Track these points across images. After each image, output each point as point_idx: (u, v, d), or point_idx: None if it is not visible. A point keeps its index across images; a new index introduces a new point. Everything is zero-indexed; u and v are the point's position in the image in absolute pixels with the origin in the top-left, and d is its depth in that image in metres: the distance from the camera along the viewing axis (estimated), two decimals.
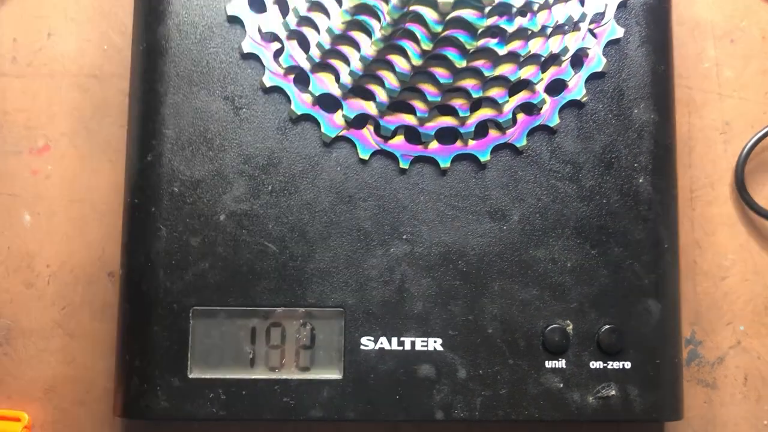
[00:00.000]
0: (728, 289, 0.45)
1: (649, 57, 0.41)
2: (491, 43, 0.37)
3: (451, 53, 0.37)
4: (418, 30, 0.36)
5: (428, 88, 0.38)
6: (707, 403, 0.44)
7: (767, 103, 0.46)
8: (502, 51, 0.37)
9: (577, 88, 0.40)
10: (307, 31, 0.38)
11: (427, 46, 0.36)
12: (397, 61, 0.37)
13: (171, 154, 0.39)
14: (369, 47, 0.37)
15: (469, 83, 0.38)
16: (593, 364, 0.39)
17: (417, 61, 0.37)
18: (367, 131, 0.39)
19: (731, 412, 0.44)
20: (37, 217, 0.43)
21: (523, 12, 0.37)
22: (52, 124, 0.43)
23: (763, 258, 0.45)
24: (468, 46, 0.36)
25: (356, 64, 0.37)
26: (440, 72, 0.37)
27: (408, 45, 0.36)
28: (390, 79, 0.38)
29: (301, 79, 0.39)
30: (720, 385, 0.44)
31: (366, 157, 0.39)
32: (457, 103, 0.38)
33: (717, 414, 0.44)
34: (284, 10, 0.39)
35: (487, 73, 0.38)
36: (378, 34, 0.36)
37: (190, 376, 0.38)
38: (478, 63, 0.37)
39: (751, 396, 0.44)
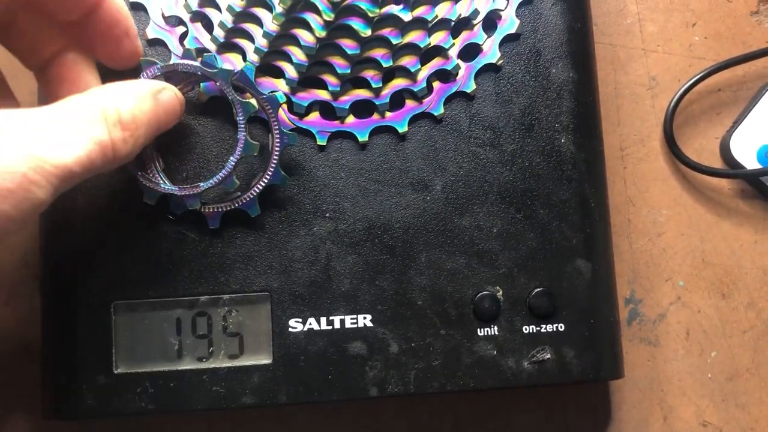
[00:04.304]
0: (665, 245, 0.45)
1: (564, 15, 0.40)
2: (395, 9, 0.36)
3: (354, 22, 0.36)
4: (318, 1, 0.35)
5: (337, 61, 0.37)
6: (651, 361, 0.44)
7: (692, 56, 0.46)
8: (407, 17, 0.36)
9: (491, 51, 0.39)
10: (210, 12, 0.37)
11: (328, 16, 0.35)
12: (301, 34, 0.36)
13: None
14: (271, 23, 0.36)
15: (377, 53, 0.37)
16: (526, 329, 0.39)
17: (321, 33, 0.36)
18: (281, 109, 0.38)
19: (675, 367, 0.44)
20: None
21: None
22: None
23: (698, 211, 0.45)
24: (371, 14, 0.36)
25: (261, 41, 0.37)
26: (347, 43, 0.36)
27: (310, 17, 0.36)
28: (297, 54, 0.37)
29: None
30: (662, 342, 0.44)
31: None
32: (369, 74, 0.38)
33: (661, 371, 0.44)
34: None
35: (395, 41, 0.37)
36: (278, 8, 0.35)
37: (116, 372, 0.37)
38: (385, 31, 0.37)
39: (693, 350, 0.44)
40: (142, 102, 0.33)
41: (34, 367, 0.41)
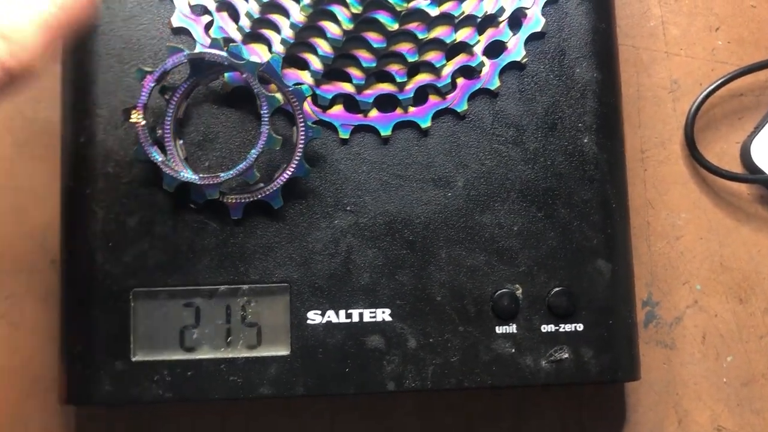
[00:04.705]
0: (683, 248, 0.45)
1: (589, 15, 0.40)
2: (423, 4, 0.36)
3: (382, 16, 0.36)
4: None
5: (362, 54, 0.37)
6: (667, 364, 0.44)
7: (714, 61, 0.46)
8: (434, 12, 0.36)
9: (516, 49, 0.39)
10: (236, 2, 0.37)
11: (356, 9, 0.35)
12: (328, 26, 0.36)
13: (104, 134, 0.38)
14: (298, 14, 0.36)
15: (403, 47, 0.37)
16: (545, 328, 0.39)
17: (348, 25, 0.36)
18: (305, 102, 0.38)
19: (691, 371, 0.44)
20: None
21: None
22: None
23: (717, 215, 0.45)
24: (399, 8, 0.36)
25: (287, 32, 0.37)
26: (373, 36, 0.36)
27: (337, 9, 0.36)
28: (322, 46, 0.37)
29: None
30: (679, 345, 0.44)
31: None
32: (394, 68, 0.38)
33: (677, 374, 0.44)
34: None
35: (421, 36, 0.37)
36: None
37: (134, 359, 0.37)
38: (411, 26, 0.37)
39: (710, 354, 0.44)
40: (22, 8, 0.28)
41: (51, 352, 0.41)
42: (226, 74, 0.38)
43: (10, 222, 0.42)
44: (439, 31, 0.37)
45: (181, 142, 0.38)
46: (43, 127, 0.42)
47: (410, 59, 0.37)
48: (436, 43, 0.38)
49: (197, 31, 0.38)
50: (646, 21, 0.46)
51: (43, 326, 0.41)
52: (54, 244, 0.41)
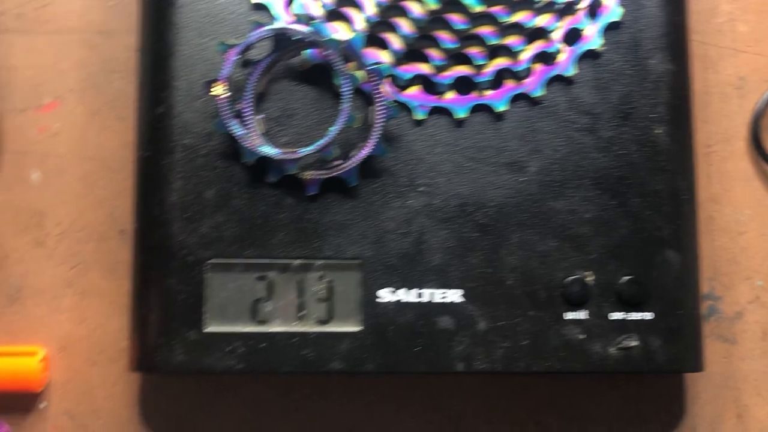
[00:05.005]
0: (746, 244, 0.45)
1: (665, 7, 0.40)
2: None
3: None
4: None
5: (444, 35, 0.37)
6: (726, 358, 0.44)
7: None
8: None
9: (593, 37, 0.40)
10: None
11: None
12: (412, 6, 0.36)
13: (183, 106, 0.38)
14: None
15: (485, 30, 0.37)
16: (614, 315, 0.39)
17: (433, 5, 0.36)
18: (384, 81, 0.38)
19: (750, 367, 0.44)
20: (46, 175, 0.42)
21: None
22: (60, 80, 0.43)
23: None
24: None
25: (371, 11, 0.37)
26: (456, 17, 0.37)
27: None
28: (405, 26, 0.37)
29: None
30: (739, 340, 0.44)
31: None
32: (474, 51, 0.38)
33: (736, 369, 0.43)
34: None
35: (503, 20, 0.37)
36: None
37: (206, 330, 0.37)
38: (495, 9, 0.37)
39: None
40: None
41: (117, 322, 0.41)
42: (306, 51, 0.38)
43: (79, 192, 0.42)
44: (521, 16, 0.38)
45: (260, 116, 0.38)
46: (115, 98, 0.43)
47: (491, 42, 0.37)
48: (517, 28, 0.38)
49: (275, 7, 0.38)
50: (714, 17, 0.46)
51: (110, 296, 0.41)
52: (123, 215, 0.42)
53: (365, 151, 0.37)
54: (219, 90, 0.36)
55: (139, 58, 0.40)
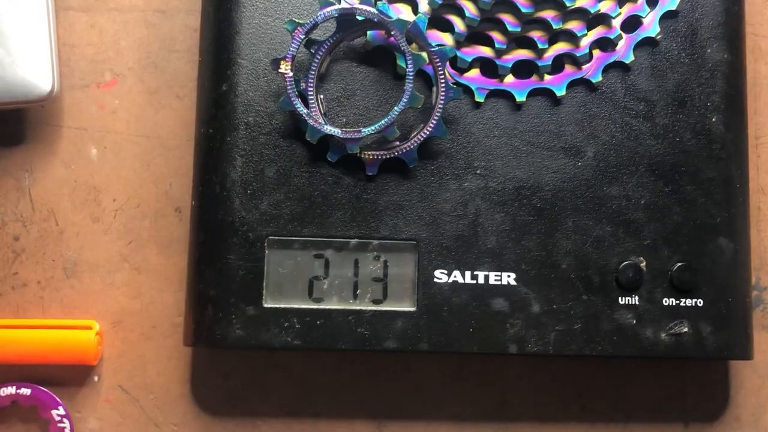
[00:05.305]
0: None
1: None
2: None
3: None
4: None
5: (508, 18, 0.37)
6: None
7: None
8: None
9: (652, 25, 0.40)
10: None
11: None
12: None
13: (246, 84, 0.39)
14: None
15: (549, 14, 0.38)
16: (666, 301, 0.39)
17: None
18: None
19: None
20: (104, 152, 0.43)
21: None
22: (120, 58, 0.43)
23: None
24: None
25: None
26: (521, 1, 0.37)
27: None
28: (470, 8, 0.37)
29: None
30: None
31: None
32: (536, 34, 0.38)
33: None
34: None
35: (568, 4, 0.37)
36: None
37: (265, 306, 0.38)
38: None
39: None
40: None
41: (172, 298, 0.42)
42: (368, 32, 0.38)
43: (136, 169, 0.43)
44: (584, 1, 0.38)
45: (322, 96, 0.38)
46: (174, 76, 0.43)
47: (555, 26, 0.38)
48: (580, 13, 0.38)
49: None
50: (766, 8, 0.46)
51: (165, 273, 0.42)
52: (179, 193, 0.42)
53: (425, 132, 0.38)
54: (284, 68, 0.37)
55: (202, 36, 0.40)
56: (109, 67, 0.43)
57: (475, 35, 0.38)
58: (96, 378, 0.42)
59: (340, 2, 0.38)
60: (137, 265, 0.42)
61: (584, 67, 0.39)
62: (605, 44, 0.39)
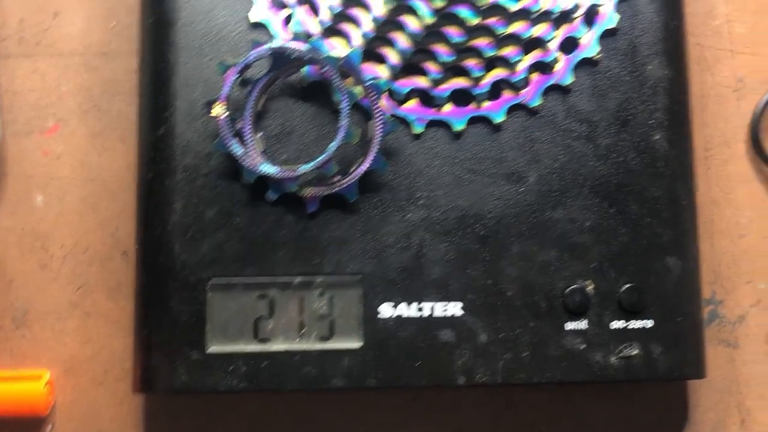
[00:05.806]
0: (747, 246, 0.44)
1: (661, 12, 0.40)
2: None
3: (463, 10, 0.36)
4: None
5: (441, 48, 0.37)
6: (729, 363, 0.44)
7: None
8: (514, 6, 0.37)
9: (590, 45, 0.40)
10: None
11: (439, 3, 0.36)
12: (409, 20, 0.37)
13: (183, 126, 0.38)
14: (381, 7, 0.36)
15: (482, 42, 0.37)
16: (615, 324, 0.39)
17: (429, 20, 0.36)
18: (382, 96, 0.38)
19: (754, 371, 0.44)
20: (50, 198, 0.42)
21: None
22: (62, 103, 0.43)
23: None
24: (480, 3, 0.36)
25: (368, 26, 0.37)
26: (453, 31, 0.37)
27: (419, 4, 0.36)
28: (402, 40, 0.37)
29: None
30: (742, 344, 0.44)
31: None
32: (471, 63, 0.38)
33: (740, 373, 0.43)
34: None
35: (499, 31, 0.37)
36: None
37: (209, 350, 0.37)
38: (491, 20, 0.37)
39: None
40: None
41: (122, 343, 0.41)
42: (303, 69, 0.38)
43: (82, 213, 0.42)
44: (518, 27, 0.38)
45: (260, 135, 0.38)
46: (117, 119, 0.43)
47: (488, 54, 0.38)
48: (514, 39, 0.38)
49: (273, 25, 0.39)
50: (711, 19, 0.46)
51: (114, 317, 0.42)
52: (126, 236, 0.42)
53: (365, 166, 0.38)
54: (219, 110, 0.37)
55: (139, 79, 0.40)
56: (52, 112, 0.43)
57: (410, 66, 0.38)
58: (50, 427, 0.41)
59: (272, 40, 0.38)
60: (87, 310, 0.42)
61: (522, 92, 0.39)
62: (543, 68, 0.39)
